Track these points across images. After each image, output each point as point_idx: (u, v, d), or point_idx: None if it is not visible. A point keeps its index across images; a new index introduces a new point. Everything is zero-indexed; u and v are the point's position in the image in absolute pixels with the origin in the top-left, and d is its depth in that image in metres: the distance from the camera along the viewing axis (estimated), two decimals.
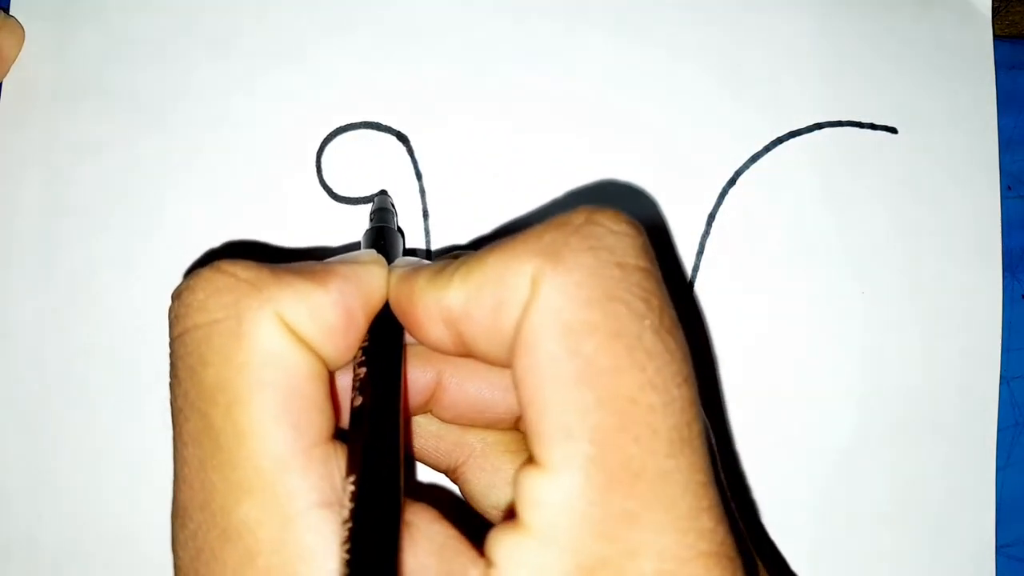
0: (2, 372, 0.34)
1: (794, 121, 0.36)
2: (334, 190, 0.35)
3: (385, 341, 0.23)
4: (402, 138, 0.35)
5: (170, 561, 0.33)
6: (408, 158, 0.35)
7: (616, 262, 0.20)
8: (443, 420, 0.27)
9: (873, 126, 0.36)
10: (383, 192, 0.34)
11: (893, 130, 0.36)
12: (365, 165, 0.35)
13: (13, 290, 0.35)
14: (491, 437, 0.27)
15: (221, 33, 0.36)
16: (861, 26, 0.36)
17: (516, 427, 0.27)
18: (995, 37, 0.36)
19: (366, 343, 0.23)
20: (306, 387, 0.21)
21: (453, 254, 0.23)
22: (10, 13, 0.36)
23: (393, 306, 0.23)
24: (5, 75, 0.35)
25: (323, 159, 0.35)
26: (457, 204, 0.35)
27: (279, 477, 0.20)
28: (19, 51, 0.35)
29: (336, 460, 0.20)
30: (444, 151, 0.35)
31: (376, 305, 0.23)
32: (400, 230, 0.34)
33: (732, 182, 0.35)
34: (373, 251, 0.25)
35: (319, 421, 0.21)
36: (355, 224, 0.35)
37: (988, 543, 0.34)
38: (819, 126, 0.36)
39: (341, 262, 0.23)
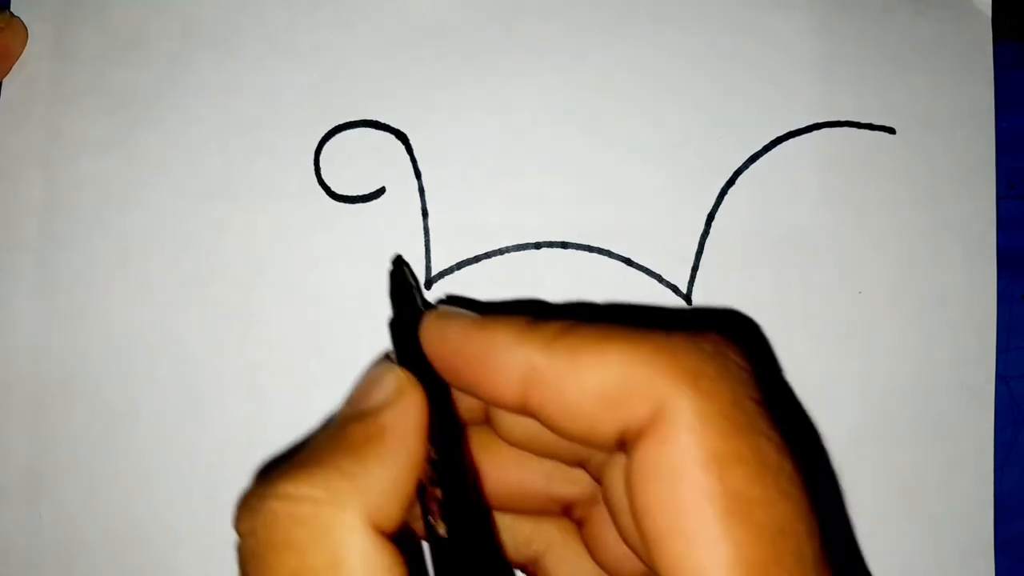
0: (2, 372, 0.34)
1: (793, 121, 0.36)
2: (332, 189, 0.35)
3: (449, 449, 0.22)
4: (401, 136, 0.35)
5: (171, 560, 0.33)
6: (407, 156, 0.35)
7: (750, 396, 0.20)
8: (506, 440, 0.26)
9: (872, 126, 0.36)
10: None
11: (891, 130, 0.36)
12: (364, 163, 0.35)
13: (13, 290, 0.35)
14: (563, 530, 0.27)
15: (221, 33, 0.36)
16: (860, 26, 0.36)
17: (570, 513, 0.26)
18: (994, 37, 0.36)
19: (436, 458, 0.22)
20: None
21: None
22: (12, 13, 0.36)
23: (457, 356, 0.23)
24: (7, 73, 0.35)
25: (321, 157, 0.35)
26: (456, 203, 0.35)
27: None
28: (23, 50, 0.35)
29: None
30: (443, 149, 0.35)
31: (424, 425, 0.22)
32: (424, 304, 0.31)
33: (731, 182, 0.35)
34: (392, 366, 0.23)
35: None
36: (354, 223, 0.35)
37: (987, 541, 0.34)
38: (818, 126, 0.36)
39: (381, 407, 0.22)
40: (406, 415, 0.22)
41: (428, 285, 0.35)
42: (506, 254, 0.35)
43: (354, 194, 0.35)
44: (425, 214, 0.35)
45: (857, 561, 0.34)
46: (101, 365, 0.34)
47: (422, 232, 0.35)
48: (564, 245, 0.35)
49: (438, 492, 0.21)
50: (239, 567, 0.20)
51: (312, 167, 0.35)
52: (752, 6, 0.36)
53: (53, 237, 0.35)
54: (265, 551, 0.19)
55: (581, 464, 0.26)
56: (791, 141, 0.35)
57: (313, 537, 0.19)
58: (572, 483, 0.26)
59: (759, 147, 0.35)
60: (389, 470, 0.20)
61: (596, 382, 0.20)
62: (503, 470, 0.26)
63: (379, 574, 0.19)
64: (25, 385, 0.34)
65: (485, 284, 0.35)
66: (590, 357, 0.20)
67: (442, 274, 0.35)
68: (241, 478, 0.34)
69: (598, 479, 0.25)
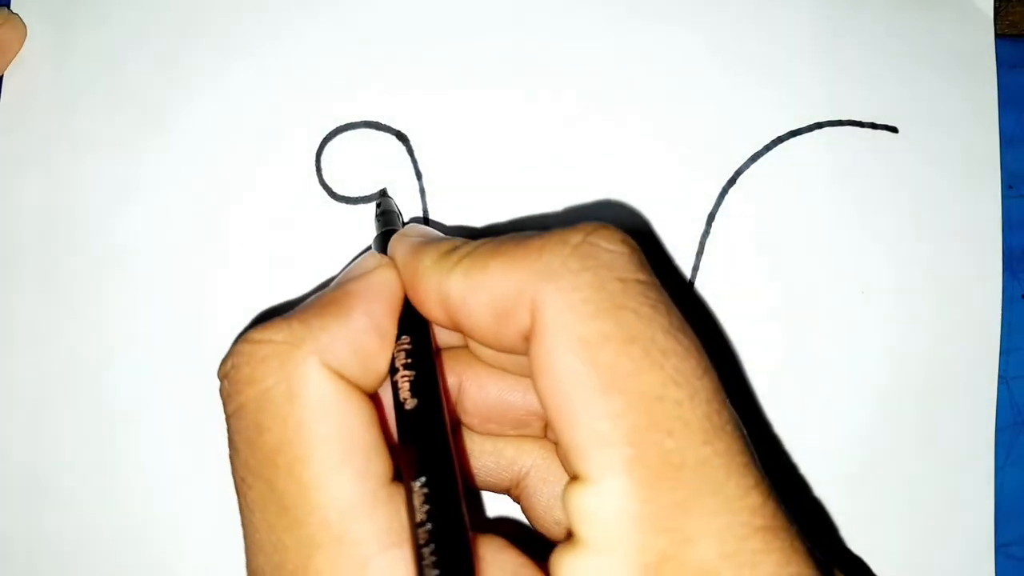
0: (2, 372, 0.34)
1: (795, 120, 0.36)
2: (334, 189, 0.35)
3: (420, 340, 0.24)
4: (402, 137, 0.35)
5: (171, 560, 0.33)
6: (408, 157, 0.35)
7: (616, 277, 0.21)
8: (472, 429, 0.27)
9: (874, 125, 0.36)
10: (384, 193, 0.35)
11: (894, 129, 0.36)
12: (365, 165, 0.35)
13: (13, 290, 0.35)
14: (545, 451, 0.28)
15: (221, 33, 0.35)
16: (862, 25, 0.36)
17: (547, 435, 0.27)
18: (996, 36, 0.36)
19: (406, 344, 0.24)
20: (361, 432, 0.21)
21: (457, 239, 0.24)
22: (11, 10, 0.36)
23: (402, 278, 0.24)
24: (5, 68, 0.35)
25: (323, 158, 0.35)
26: (457, 203, 0.35)
27: (348, 526, 0.20)
28: (20, 47, 0.35)
29: (400, 497, 0.21)
30: (444, 150, 0.35)
31: (398, 304, 0.24)
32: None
33: (732, 182, 0.35)
34: (375, 253, 0.26)
35: (378, 463, 0.21)
36: (355, 223, 0.35)
37: (987, 542, 0.34)
38: (820, 125, 0.36)
39: (351, 279, 0.24)
40: (371, 285, 0.24)
41: None
42: None
43: (355, 195, 0.35)
44: (426, 215, 0.35)
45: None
46: (101, 365, 0.34)
47: None
48: None
49: (411, 373, 0.23)
50: (223, 411, 0.23)
51: (313, 167, 0.35)
52: (754, 5, 0.36)
53: (53, 237, 0.35)
54: (235, 388, 0.22)
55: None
56: (793, 140, 0.35)
57: (272, 371, 0.21)
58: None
59: (761, 146, 0.35)
60: (347, 324, 0.22)
61: (486, 297, 0.22)
62: (482, 389, 0.27)
63: (335, 406, 0.21)
64: (26, 385, 0.34)
65: None
66: (477, 274, 0.22)
67: None
68: None
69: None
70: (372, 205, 0.35)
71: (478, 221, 0.35)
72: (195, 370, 0.34)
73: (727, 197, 0.35)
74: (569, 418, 0.20)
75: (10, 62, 0.35)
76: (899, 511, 0.34)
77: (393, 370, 0.23)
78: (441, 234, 0.26)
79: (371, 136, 0.35)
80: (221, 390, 0.23)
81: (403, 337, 0.24)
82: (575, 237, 0.21)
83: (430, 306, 0.23)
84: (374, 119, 0.35)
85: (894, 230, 0.35)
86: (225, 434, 0.33)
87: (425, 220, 0.35)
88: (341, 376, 0.22)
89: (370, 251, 0.26)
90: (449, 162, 0.35)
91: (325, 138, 0.35)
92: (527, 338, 0.21)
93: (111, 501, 0.34)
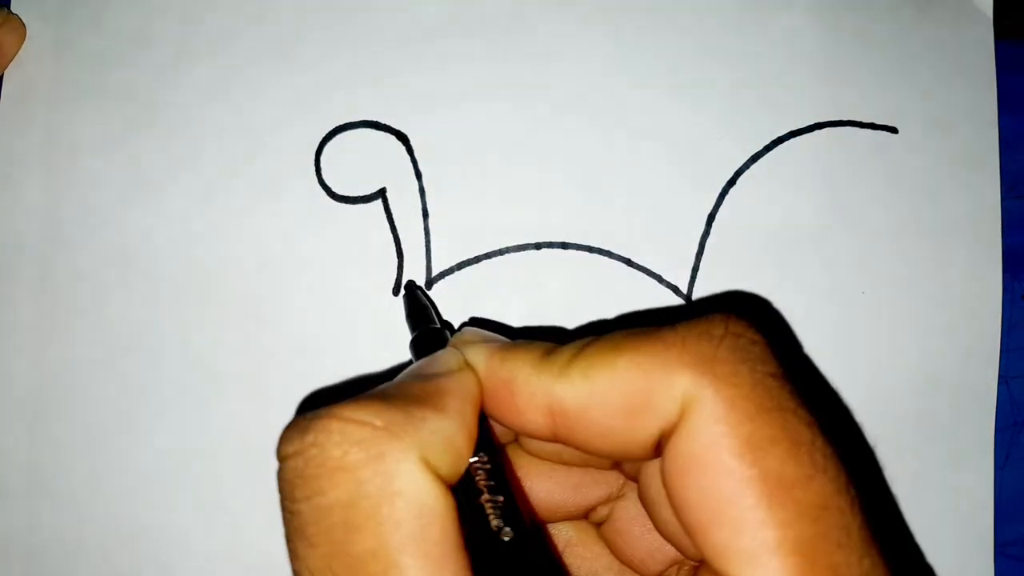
0: (2, 372, 0.34)
1: (794, 121, 0.36)
2: (333, 189, 0.35)
3: (495, 459, 0.22)
4: (402, 137, 0.35)
5: (171, 560, 0.33)
6: (408, 157, 0.35)
7: (769, 372, 0.20)
8: (537, 456, 0.26)
9: (874, 126, 0.36)
10: (384, 196, 0.34)
11: (894, 130, 0.36)
12: (364, 164, 0.35)
13: (13, 290, 0.35)
14: (585, 524, 0.27)
15: (221, 33, 0.35)
16: (862, 25, 0.36)
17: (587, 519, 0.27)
18: (997, 38, 0.36)
19: (484, 464, 0.22)
20: (455, 535, 0.19)
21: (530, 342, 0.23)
22: (10, 11, 0.36)
23: (487, 391, 0.23)
24: (4, 69, 0.35)
25: (322, 158, 0.35)
26: (457, 203, 0.35)
27: None
28: (19, 48, 0.35)
29: None
30: (444, 150, 0.35)
31: (478, 401, 0.23)
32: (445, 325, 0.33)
33: (732, 182, 0.35)
34: (457, 353, 0.24)
35: (462, 562, 0.19)
36: (354, 224, 0.35)
37: (987, 542, 0.34)
38: (819, 126, 0.36)
39: (439, 375, 0.22)
40: (463, 385, 0.22)
41: (428, 285, 0.35)
42: (506, 254, 0.35)
43: (354, 194, 0.35)
44: (425, 214, 0.35)
45: (903, 532, 0.34)
46: (101, 365, 0.34)
47: (422, 232, 0.35)
48: (564, 245, 0.35)
49: (499, 498, 0.21)
50: (281, 494, 0.20)
51: (313, 167, 0.35)
52: (754, 6, 0.36)
53: (53, 237, 0.35)
54: (317, 471, 0.19)
55: (615, 466, 0.26)
56: (793, 141, 0.35)
57: (369, 461, 0.19)
58: (600, 486, 0.26)
59: (760, 147, 0.35)
60: (446, 423, 0.20)
61: (617, 396, 0.20)
62: (531, 484, 0.26)
63: (432, 509, 0.19)
64: (25, 385, 0.34)
65: (485, 284, 0.34)
66: (604, 372, 0.20)
67: (442, 274, 0.35)
68: (241, 478, 0.34)
69: (633, 477, 0.25)
70: (373, 205, 0.35)
71: (477, 221, 0.35)
72: (195, 370, 0.34)
73: (727, 197, 0.35)
74: (732, 522, 0.19)
75: (10, 62, 0.35)
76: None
77: (472, 490, 0.21)
78: (504, 338, 0.25)
79: (371, 136, 0.35)
80: (289, 469, 0.20)
81: (480, 455, 0.22)
82: (717, 328, 0.20)
83: (532, 416, 0.22)
84: (374, 119, 0.35)
85: (894, 230, 0.35)
86: (233, 432, 0.34)
87: (425, 220, 0.35)
88: (438, 474, 0.19)
89: (450, 350, 0.24)
90: (449, 162, 0.35)
91: (325, 138, 0.35)
92: (666, 434, 0.20)
93: (111, 501, 0.34)
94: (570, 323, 0.34)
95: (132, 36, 0.36)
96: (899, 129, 0.36)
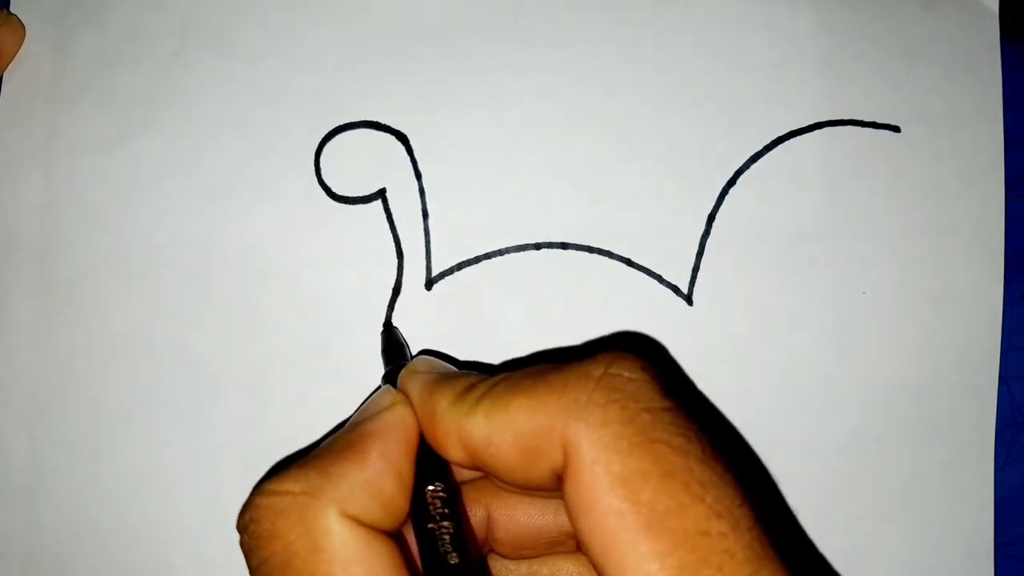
0: (2, 372, 0.34)
1: (795, 120, 0.35)
2: (333, 189, 0.35)
3: (449, 486, 0.24)
4: (401, 137, 0.35)
5: (170, 560, 0.33)
6: (407, 157, 0.35)
7: (643, 408, 0.21)
8: (506, 556, 0.27)
9: (875, 125, 0.35)
10: (383, 197, 0.34)
11: (896, 129, 0.35)
12: (364, 164, 0.35)
13: (13, 290, 0.35)
14: (580, 566, 0.27)
15: (220, 33, 0.35)
16: (864, 23, 0.36)
17: (579, 549, 0.27)
18: (1002, 38, 0.36)
19: (440, 493, 0.23)
20: (384, 570, 0.21)
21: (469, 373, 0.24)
22: (9, 12, 0.36)
23: (420, 419, 0.24)
24: (4, 69, 0.35)
25: (322, 158, 0.35)
26: (456, 203, 0.35)
27: None
28: (19, 48, 0.35)
29: None
30: (443, 150, 0.35)
31: (415, 443, 0.24)
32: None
33: (732, 182, 0.35)
34: (390, 389, 0.26)
35: None
36: (354, 223, 0.35)
37: (987, 542, 0.34)
38: (821, 125, 0.35)
39: (367, 419, 0.24)
40: (386, 425, 0.24)
41: (428, 286, 0.35)
42: (506, 254, 0.35)
43: (354, 195, 0.35)
44: (425, 215, 0.35)
45: (808, 549, 0.34)
46: (101, 365, 0.34)
47: (422, 232, 0.35)
48: (564, 245, 0.35)
49: (448, 524, 0.23)
50: (246, 564, 0.22)
51: (312, 167, 0.35)
52: (755, 4, 0.36)
53: (53, 237, 0.35)
54: (256, 543, 0.22)
55: None
56: (794, 140, 0.35)
57: (293, 525, 0.21)
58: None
59: (761, 146, 0.35)
60: (365, 469, 0.22)
61: (511, 437, 0.21)
62: (512, 518, 0.26)
63: (359, 555, 0.21)
64: (25, 385, 0.34)
65: (485, 284, 0.34)
66: (500, 413, 0.22)
67: (442, 274, 0.35)
68: (241, 478, 0.34)
69: None
70: (372, 205, 0.35)
71: (477, 221, 0.35)
72: (194, 370, 0.34)
73: (727, 197, 0.35)
74: (616, 560, 0.20)
75: (9, 63, 0.35)
76: (900, 511, 0.34)
77: (426, 516, 0.23)
78: (452, 368, 0.26)
79: (371, 136, 0.35)
80: (242, 543, 0.22)
81: (436, 484, 0.23)
82: (596, 369, 0.21)
83: (451, 448, 0.23)
84: (374, 119, 0.35)
85: (895, 230, 0.35)
86: (233, 432, 0.34)
87: (425, 220, 0.35)
88: (362, 523, 0.21)
89: (384, 388, 0.26)
90: (449, 162, 0.35)
91: (325, 138, 0.35)
92: (559, 475, 0.21)
93: (110, 501, 0.34)
94: (570, 323, 0.34)
95: (132, 36, 0.36)
96: (901, 128, 0.36)
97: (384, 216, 0.35)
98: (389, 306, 0.34)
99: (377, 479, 0.22)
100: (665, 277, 0.35)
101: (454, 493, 0.24)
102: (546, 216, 0.35)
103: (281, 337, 0.34)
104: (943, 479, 0.34)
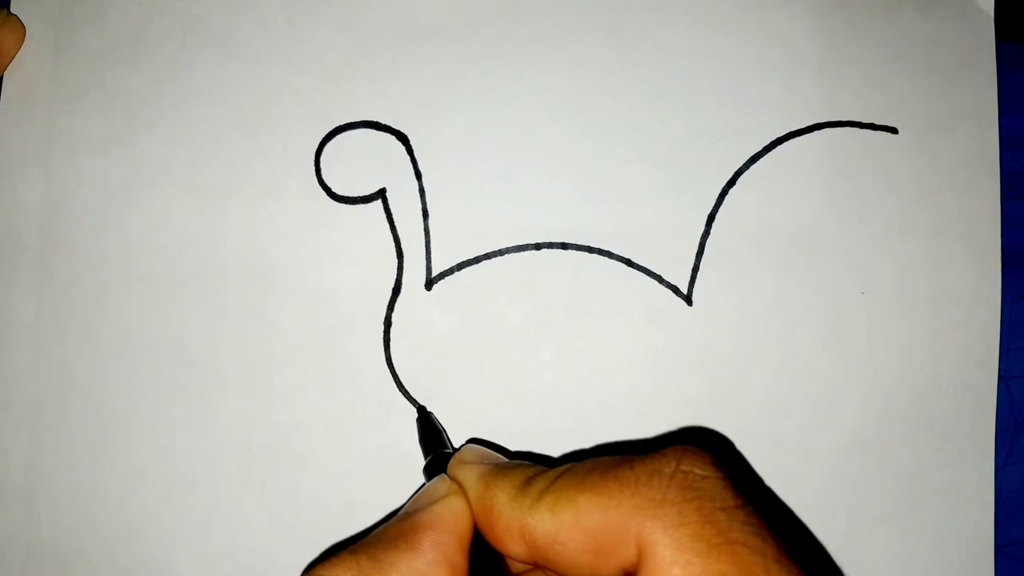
0: (2, 372, 0.34)
1: (794, 121, 0.36)
2: (333, 189, 0.35)
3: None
4: (402, 137, 0.35)
5: (170, 560, 0.33)
6: (407, 157, 0.35)
7: (719, 507, 0.21)
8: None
9: (873, 126, 0.36)
10: (384, 198, 0.34)
11: (894, 130, 0.36)
12: (364, 164, 0.35)
13: (13, 290, 0.35)
14: None
15: (221, 33, 0.36)
16: (861, 26, 0.36)
17: None
18: (998, 40, 0.36)
19: None
20: None
21: (523, 464, 0.24)
22: (10, 12, 0.36)
23: (477, 515, 0.24)
24: (4, 70, 0.35)
25: (322, 158, 0.35)
26: (457, 203, 0.35)
27: None
28: (19, 48, 0.35)
29: None
30: (444, 150, 0.35)
31: (469, 534, 0.24)
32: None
33: (732, 182, 0.35)
34: (445, 479, 0.25)
35: None
36: (354, 223, 0.35)
37: (987, 543, 0.34)
38: (819, 126, 0.36)
39: (420, 508, 0.24)
40: (443, 515, 0.23)
41: (428, 286, 0.35)
42: (506, 254, 0.35)
43: (354, 195, 0.35)
44: (425, 215, 0.35)
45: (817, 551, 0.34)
46: (101, 365, 0.34)
47: (422, 232, 0.35)
48: (564, 245, 0.35)
49: None
50: None
51: (312, 167, 0.35)
52: (753, 5, 0.36)
53: (53, 237, 0.35)
54: None
55: None
56: (792, 141, 0.35)
57: None
58: None
59: (760, 147, 0.35)
60: (417, 559, 0.22)
61: (580, 535, 0.21)
62: None
63: None
64: (25, 385, 0.34)
65: (485, 284, 0.34)
66: (568, 510, 0.22)
67: (442, 275, 0.35)
68: (241, 478, 0.34)
69: None
70: (373, 205, 0.35)
71: (477, 221, 0.35)
72: (195, 370, 0.34)
73: (727, 198, 0.35)
74: None
75: (9, 63, 0.35)
76: (900, 511, 0.34)
77: None
78: (502, 457, 0.26)
79: (371, 136, 0.35)
80: None
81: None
82: (667, 466, 0.21)
83: (510, 543, 0.23)
84: (374, 119, 0.35)
85: (894, 230, 0.35)
86: (233, 432, 0.34)
87: (425, 220, 0.35)
88: None
89: (439, 478, 0.26)
90: (449, 162, 0.35)
91: (325, 138, 0.35)
92: (629, 573, 0.21)
93: (110, 501, 0.34)
94: (570, 323, 0.34)
95: (132, 36, 0.36)
96: (899, 129, 0.36)
97: (384, 216, 0.35)
98: (389, 306, 0.34)
99: (429, 570, 0.22)
100: (665, 277, 0.35)
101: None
102: (546, 216, 0.35)
103: (281, 337, 0.34)
104: (943, 479, 0.34)
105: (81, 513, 0.34)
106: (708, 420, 0.34)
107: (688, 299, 0.35)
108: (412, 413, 0.34)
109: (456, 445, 0.33)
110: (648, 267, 0.35)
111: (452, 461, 0.26)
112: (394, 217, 0.35)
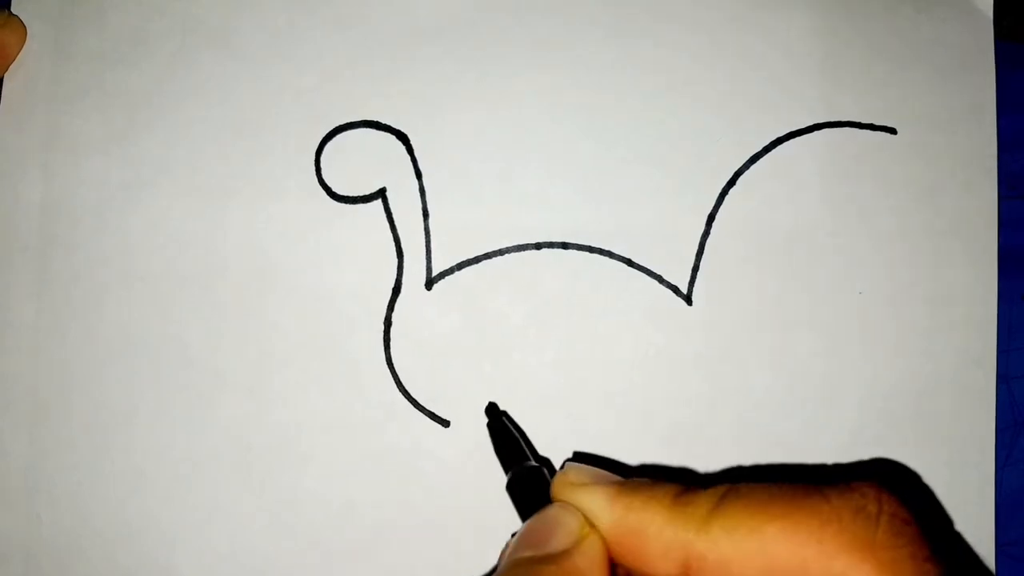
0: (2, 372, 0.34)
1: (793, 121, 0.36)
2: (333, 189, 0.35)
3: None
4: (402, 137, 0.35)
5: (170, 560, 0.33)
6: (408, 157, 0.35)
7: (924, 557, 0.20)
8: None
9: (872, 126, 0.36)
10: (384, 197, 0.34)
11: (893, 130, 0.36)
12: (364, 164, 0.35)
13: (13, 290, 0.35)
14: None
15: (221, 32, 0.36)
16: (861, 26, 0.36)
17: None
18: (996, 39, 0.36)
19: None
20: None
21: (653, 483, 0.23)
22: (11, 12, 0.36)
23: (612, 537, 0.23)
24: (5, 71, 0.35)
25: (322, 158, 0.35)
26: (457, 203, 0.35)
27: None
28: (20, 49, 0.35)
29: None
30: (444, 150, 0.35)
31: (607, 569, 0.23)
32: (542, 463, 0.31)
33: (732, 183, 0.35)
34: (570, 508, 0.24)
35: None
36: (354, 223, 0.35)
37: (988, 542, 0.34)
38: (818, 126, 0.36)
39: (563, 557, 0.22)
40: (594, 558, 0.22)
41: (428, 285, 0.35)
42: (506, 254, 0.35)
43: (354, 194, 0.35)
44: (425, 214, 0.35)
45: None
46: (101, 365, 0.34)
47: (422, 232, 0.35)
48: (564, 245, 0.35)
49: None
50: None
51: (312, 167, 0.35)
52: (753, 6, 0.36)
53: (53, 237, 0.35)
54: None
55: None
56: (792, 141, 0.35)
57: None
58: None
59: (760, 148, 0.35)
60: None
61: (764, 562, 0.20)
62: None
63: None
64: (25, 385, 0.34)
65: (485, 284, 0.34)
66: (751, 537, 0.20)
67: (442, 274, 0.35)
68: (241, 478, 0.34)
69: None
70: (373, 205, 0.35)
71: (478, 221, 0.35)
72: (195, 370, 0.34)
73: (726, 198, 0.35)
74: None
75: (10, 64, 0.35)
76: None
77: None
78: (607, 473, 0.24)
79: (371, 136, 0.35)
80: None
81: None
82: (871, 505, 0.20)
83: (664, 566, 0.22)
84: (374, 118, 0.35)
85: (893, 231, 0.35)
86: (233, 432, 0.34)
87: (425, 220, 0.35)
88: None
89: (564, 511, 0.23)
90: (449, 162, 0.35)
91: (325, 138, 0.35)
92: None
93: (110, 501, 0.34)
94: (570, 323, 0.34)
95: (132, 36, 0.36)
96: (898, 129, 0.36)
97: (384, 216, 0.35)
98: (389, 306, 0.34)
99: None
100: (665, 277, 0.35)
101: None
102: (546, 216, 0.35)
103: (281, 337, 0.34)
104: (943, 479, 0.34)
105: (81, 513, 0.34)
106: (708, 420, 0.34)
107: (688, 299, 0.35)
108: (412, 413, 0.34)
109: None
110: (648, 267, 0.35)
111: (559, 485, 0.24)
112: (394, 217, 0.35)
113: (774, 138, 0.35)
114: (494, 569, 0.23)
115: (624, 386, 0.34)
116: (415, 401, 0.34)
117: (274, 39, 0.36)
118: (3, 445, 0.34)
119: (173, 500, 0.34)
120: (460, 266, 0.35)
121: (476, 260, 0.35)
